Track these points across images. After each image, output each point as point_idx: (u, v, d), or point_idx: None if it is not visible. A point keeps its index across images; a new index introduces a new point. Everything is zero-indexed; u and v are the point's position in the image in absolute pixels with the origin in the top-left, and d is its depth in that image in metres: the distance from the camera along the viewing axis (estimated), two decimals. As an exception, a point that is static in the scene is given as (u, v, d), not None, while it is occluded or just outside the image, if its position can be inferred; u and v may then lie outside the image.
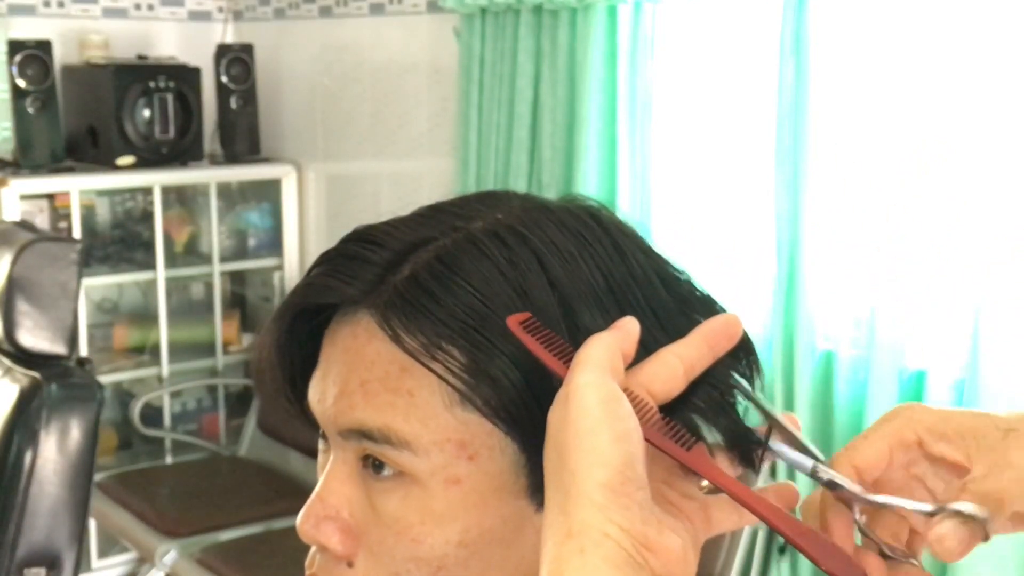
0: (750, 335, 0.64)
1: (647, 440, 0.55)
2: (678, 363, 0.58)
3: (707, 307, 0.66)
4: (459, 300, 0.60)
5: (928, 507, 0.57)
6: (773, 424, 0.60)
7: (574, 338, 0.59)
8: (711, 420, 0.60)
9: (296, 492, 3.04)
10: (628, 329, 0.58)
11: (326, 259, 0.65)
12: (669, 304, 0.64)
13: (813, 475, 0.59)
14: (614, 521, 0.51)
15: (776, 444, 0.60)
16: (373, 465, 0.63)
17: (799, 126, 2.16)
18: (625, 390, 0.56)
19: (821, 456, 0.60)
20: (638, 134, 2.50)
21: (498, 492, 0.62)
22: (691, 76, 2.45)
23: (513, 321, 0.58)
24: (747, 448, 0.60)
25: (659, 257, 0.67)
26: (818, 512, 0.60)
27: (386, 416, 0.61)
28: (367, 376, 0.62)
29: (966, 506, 0.55)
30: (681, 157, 2.48)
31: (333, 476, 0.64)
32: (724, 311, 0.66)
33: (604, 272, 0.63)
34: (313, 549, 0.66)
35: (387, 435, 0.61)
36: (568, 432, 0.53)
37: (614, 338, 0.57)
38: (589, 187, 2.53)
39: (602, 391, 0.54)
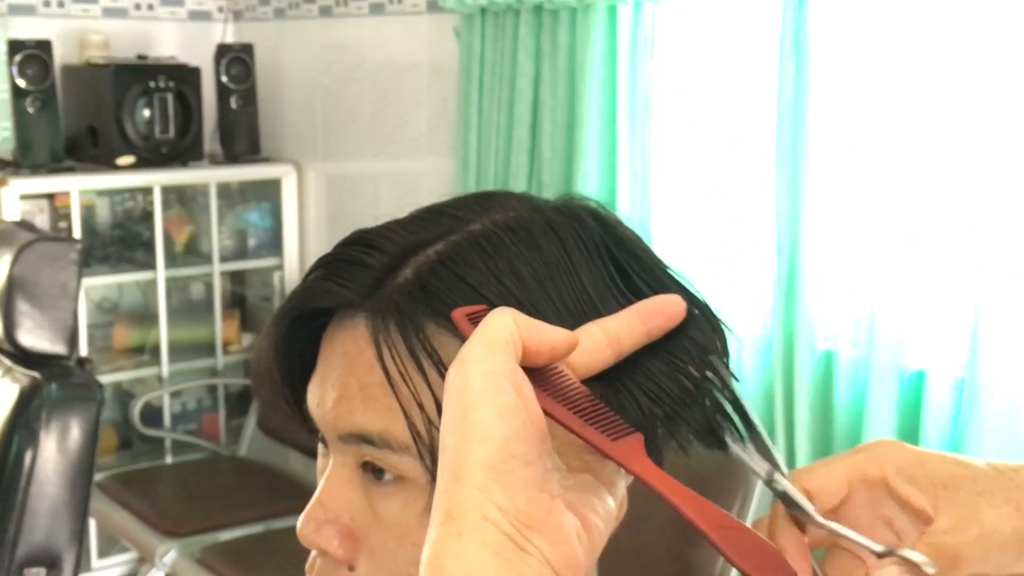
0: (724, 324, 0.62)
1: (562, 423, 0.52)
2: (601, 335, 0.55)
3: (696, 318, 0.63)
4: (455, 303, 0.59)
5: (879, 548, 0.54)
6: (748, 427, 0.58)
7: None
8: (668, 408, 0.57)
9: (296, 492, 3.04)
10: (561, 335, 0.54)
11: (323, 263, 0.64)
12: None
13: (769, 483, 0.56)
14: (494, 502, 0.49)
15: (735, 446, 0.57)
16: (373, 469, 0.63)
17: (799, 126, 2.16)
18: (551, 369, 0.53)
19: (783, 467, 0.57)
20: (638, 134, 2.50)
21: None
22: (691, 76, 2.45)
23: (460, 313, 0.56)
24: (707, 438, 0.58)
25: (656, 261, 0.66)
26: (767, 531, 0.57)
27: (386, 420, 0.61)
28: (367, 381, 0.62)
29: (916, 555, 0.53)
30: (681, 157, 2.48)
31: (333, 480, 0.64)
32: (720, 322, 0.63)
33: (587, 281, 0.61)
34: (313, 553, 0.66)
35: (387, 440, 0.61)
36: (450, 407, 0.51)
37: (518, 318, 0.53)
38: (589, 187, 2.53)
39: (486, 364, 0.50)
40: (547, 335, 0.53)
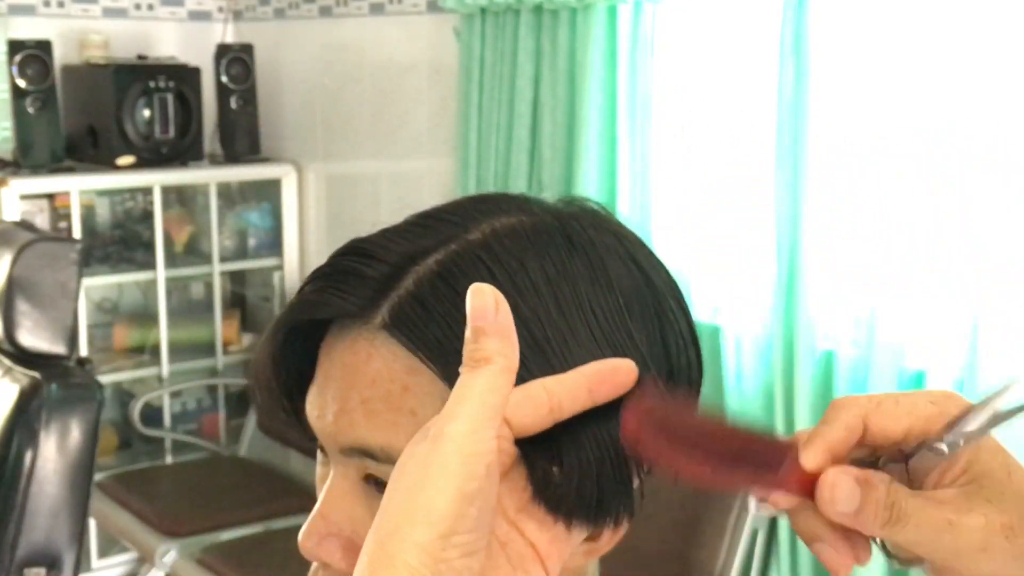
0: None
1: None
2: (545, 398, 0.53)
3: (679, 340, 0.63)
4: (457, 320, 0.58)
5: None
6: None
7: (566, 362, 0.57)
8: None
9: (296, 492, 3.04)
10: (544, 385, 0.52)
11: (320, 275, 0.63)
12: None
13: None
14: None
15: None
16: (376, 482, 0.62)
17: (799, 126, 2.16)
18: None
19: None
20: (638, 134, 2.50)
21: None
22: (691, 76, 2.45)
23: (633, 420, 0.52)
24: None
25: (657, 265, 0.65)
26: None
27: (388, 435, 0.60)
28: (368, 394, 0.61)
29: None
30: (681, 157, 2.48)
31: (334, 492, 0.63)
32: (693, 348, 0.63)
33: (585, 290, 0.61)
34: (315, 565, 0.65)
35: (390, 454, 0.60)
36: (407, 477, 0.50)
37: (505, 378, 0.51)
38: (589, 187, 2.53)
39: (468, 447, 0.49)
40: (533, 419, 0.52)
